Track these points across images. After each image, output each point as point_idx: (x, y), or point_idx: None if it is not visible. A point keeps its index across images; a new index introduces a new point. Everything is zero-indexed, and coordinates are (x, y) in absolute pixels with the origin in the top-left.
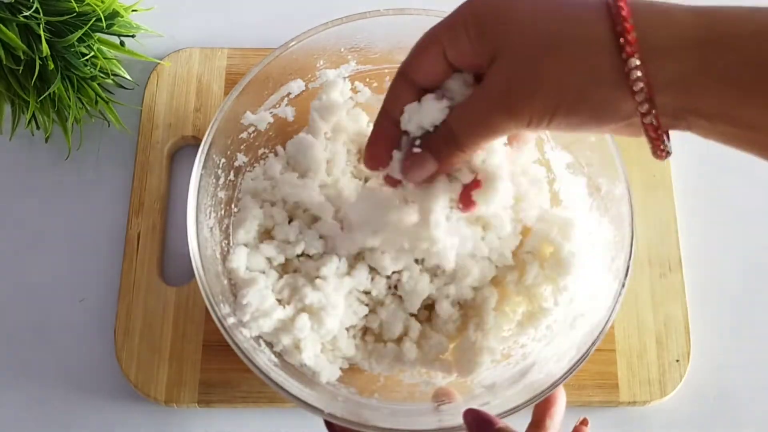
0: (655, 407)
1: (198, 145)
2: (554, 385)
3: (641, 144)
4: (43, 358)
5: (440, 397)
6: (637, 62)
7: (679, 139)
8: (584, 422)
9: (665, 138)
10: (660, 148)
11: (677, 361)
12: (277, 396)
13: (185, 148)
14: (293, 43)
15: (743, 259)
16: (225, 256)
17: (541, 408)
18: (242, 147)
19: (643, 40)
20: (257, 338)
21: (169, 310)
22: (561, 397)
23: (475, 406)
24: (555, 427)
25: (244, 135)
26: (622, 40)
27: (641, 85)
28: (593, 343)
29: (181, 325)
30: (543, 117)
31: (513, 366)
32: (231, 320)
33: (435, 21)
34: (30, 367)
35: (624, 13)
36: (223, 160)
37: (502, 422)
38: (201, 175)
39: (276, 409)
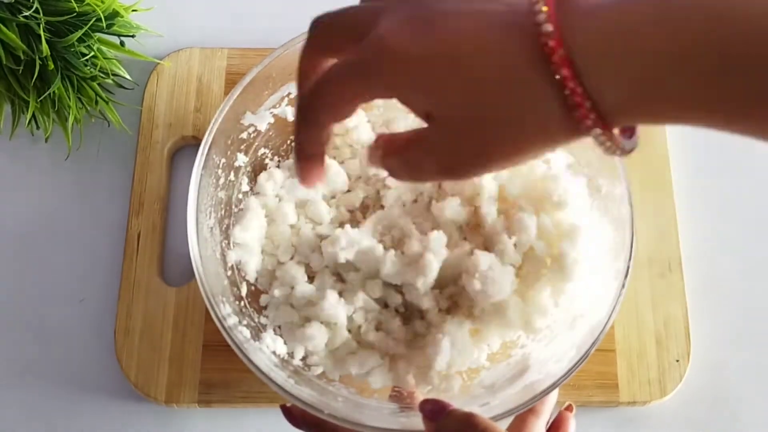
0: (655, 407)
1: (198, 145)
2: (554, 385)
3: (642, 144)
4: (43, 358)
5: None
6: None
7: (678, 137)
8: (569, 408)
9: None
10: (613, 151)
11: (677, 361)
12: (277, 396)
13: (185, 148)
14: (293, 43)
15: (743, 259)
16: (225, 256)
17: None
18: (242, 147)
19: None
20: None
21: (169, 310)
22: None
23: (474, 406)
24: (546, 412)
25: (244, 135)
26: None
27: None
28: (593, 344)
29: (181, 325)
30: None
31: (513, 366)
32: (231, 320)
33: None
34: (30, 367)
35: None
36: (223, 160)
37: (452, 406)
38: (201, 175)
39: (276, 409)
